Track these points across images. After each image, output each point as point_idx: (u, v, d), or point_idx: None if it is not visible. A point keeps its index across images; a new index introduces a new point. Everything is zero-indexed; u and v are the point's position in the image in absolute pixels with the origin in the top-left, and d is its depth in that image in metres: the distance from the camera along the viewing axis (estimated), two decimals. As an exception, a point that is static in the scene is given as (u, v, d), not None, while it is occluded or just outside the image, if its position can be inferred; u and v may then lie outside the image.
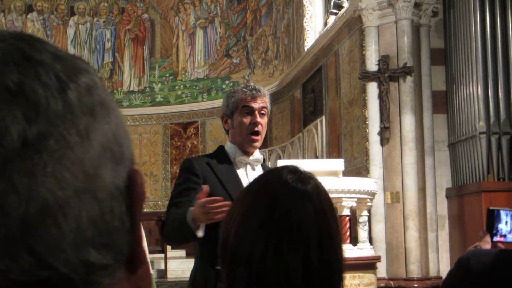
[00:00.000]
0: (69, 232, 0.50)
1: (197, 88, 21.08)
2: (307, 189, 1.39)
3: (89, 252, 0.51)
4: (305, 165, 1.49)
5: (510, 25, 10.46)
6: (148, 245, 8.42)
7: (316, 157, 14.18)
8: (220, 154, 3.89)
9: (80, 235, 0.50)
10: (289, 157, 15.80)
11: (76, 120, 0.51)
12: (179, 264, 14.73)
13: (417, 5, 11.19)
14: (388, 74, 10.98)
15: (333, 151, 13.43)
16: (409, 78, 10.92)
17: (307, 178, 1.42)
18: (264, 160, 3.97)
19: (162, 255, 14.31)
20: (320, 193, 1.41)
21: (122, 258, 0.55)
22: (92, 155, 0.51)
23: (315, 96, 15.02)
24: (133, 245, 0.56)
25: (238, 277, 1.34)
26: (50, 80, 0.51)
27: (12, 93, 0.49)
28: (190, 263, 15.50)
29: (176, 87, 21.33)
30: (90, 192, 0.51)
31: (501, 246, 2.48)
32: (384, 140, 10.99)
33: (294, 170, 1.43)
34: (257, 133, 3.77)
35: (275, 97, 18.42)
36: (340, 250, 1.40)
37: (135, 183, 0.56)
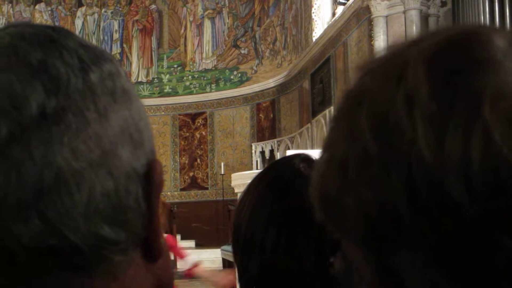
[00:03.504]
0: (81, 202, 0.51)
1: (205, 78, 21.12)
2: None
3: (100, 225, 0.52)
4: (316, 155, 1.47)
5: (519, 14, 10.45)
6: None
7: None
8: None
9: (92, 207, 0.52)
10: (297, 148, 15.85)
11: (95, 98, 0.53)
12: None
13: (425, -5, 11.18)
14: (397, 65, 10.98)
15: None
16: (418, 68, 10.93)
17: None
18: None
19: (172, 245, 14.35)
20: None
21: (136, 239, 0.56)
22: (109, 133, 0.53)
23: (323, 87, 15.03)
24: (151, 232, 0.57)
25: (251, 265, 1.34)
26: (73, 60, 0.53)
27: (34, 69, 0.51)
28: (200, 253, 15.50)
29: (184, 78, 21.37)
30: (105, 167, 0.52)
31: None
32: (393, 130, 11.01)
33: (306, 158, 1.42)
34: None
35: (284, 88, 18.45)
36: None
37: (154, 171, 0.57)
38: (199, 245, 16.14)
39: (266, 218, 1.34)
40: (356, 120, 0.57)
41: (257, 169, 16.21)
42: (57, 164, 0.50)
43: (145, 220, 0.56)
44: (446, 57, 0.53)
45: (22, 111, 0.49)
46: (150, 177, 0.56)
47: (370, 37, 11.79)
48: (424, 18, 11.33)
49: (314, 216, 1.31)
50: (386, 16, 11.46)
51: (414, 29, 11.06)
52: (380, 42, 11.42)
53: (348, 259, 0.62)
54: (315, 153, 1.50)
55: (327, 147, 0.62)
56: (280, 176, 1.39)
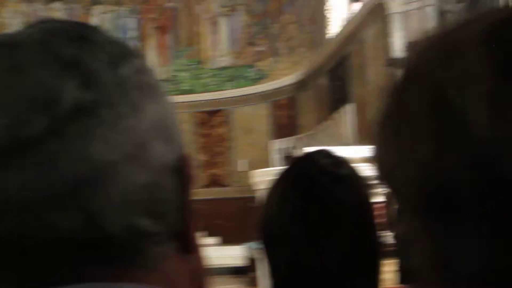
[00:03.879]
0: (117, 195, 0.51)
1: (222, 76, 21.12)
2: (343, 173, 1.36)
3: (137, 218, 0.52)
4: (338, 152, 1.46)
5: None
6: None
7: (344, 145, 14.23)
8: None
9: (128, 199, 0.52)
10: (317, 145, 15.86)
11: (126, 92, 0.53)
12: (214, 252, 14.84)
13: (442, -8, 11.17)
14: (415, 61, 10.99)
15: (363, 138, 13.46)
16: (436, 65, 10.92)
17: (342, 163, 1.39)
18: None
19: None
20: (356, 177, 1.38)
21: (172, 232, 0.56)
22: (141, 127, 0.53)
23: (341, 84, 15.03)
24: (185, 225, 0.58)
25: (280, 262, 1.34)
26: (102, 55, 0.54)
27: (66, 64, 0.52)
28: (225, 250, 15.37)
29: (202, 76, 21.36)
30: (139, 161, 0.52)
31: None
32: (413, 127, 11.02)
33: (329, 154, 1.40)
34: None
35: (301, 85, 18.43)
36: (377, 236, 1.37)
37: (186, 165, 0.58)
38: (225, 242, 16.20)
39: (290, 215, 1.33)
40: (413, 96, 0.60)
41: (276, 166, 16.23)
42: (93, 157, 0.50)
43: (179, 214, 0.56)
44: (504, 38, 0.55)
45: (57, 105, 0.50)
46: (182, 171, 0.57)
47: (387, 34, 11.78)
48: (441, 14, 11.29)
49: (337, 212, 1.29)
50: (402, 13, 11.43)
51: (431, 26, 11.04)
52: (397, 39, 11.41)
53: (406, 227, 0.63)
54: (335, 150, 1.47)
55: (386, 120, 0.64)
56: (303, 172, 1.37)
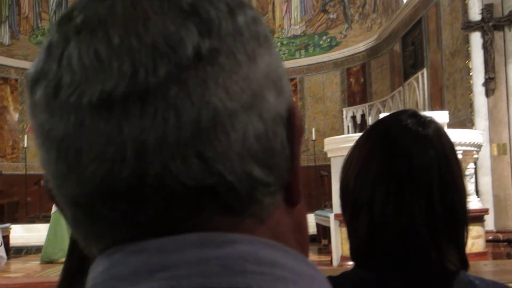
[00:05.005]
0: (236, 143, 0.52)
1: (294, 45, 21.08)
2: (428, 133, 1.32)
3: (253, 167, 0.53)
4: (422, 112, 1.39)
5: None
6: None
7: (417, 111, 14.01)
8: None
9: (246, 148, 0.52)
10: (389, 111, 15.66)
11: (244, 41, 0.54)
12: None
13: (521, -50, 10.77)
14: (492, 23, 10.68)
15: (435, 104, 13.24)
16: (515, 27, 10.58)
17: (427, 122, 1.35)
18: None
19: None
20: (441, 136, 1.34)
21: (282, 183, 0.56)
22: (257, 76, 0.54)
23: (415, 49, 14.77)
24: (293, 176, 0.58)
25: (359, 225, 1.32)
26: (221, 4, 0.54)
27: (186, 12, 0.53)
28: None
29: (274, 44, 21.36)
30: (256, 110, 0.53)
31: None
32: (489, 91, 10.75)
33: (413, 114, 1.37)
34: None
35: (374, 52, 18.21)
36: (464, 196, 1.34)
37: (295, 116, 0.57)
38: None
39: (373, 176, 1.31)
40: None
41: (348, 134, 16.16)
42: (214, 104, 0.51)
43: (288, 164, 0.57)
44: None
45: (179, 52, 0.51)
46: (291, 122, 0.57)
47: (464, -4, 11.49)
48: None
49: (422, 172, 1.28)
50: (480, -27, 11.11)
51: (510, -14, 10.68)
52: (474, 1, 11.10)
53: None
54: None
55: None
56: (387, 132, 1.35)
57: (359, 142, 1.39)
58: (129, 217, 0.52)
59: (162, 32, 0.51)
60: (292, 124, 0.57)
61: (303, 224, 0.61)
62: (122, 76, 0.50)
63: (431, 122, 1.35)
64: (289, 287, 0.51)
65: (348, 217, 1.36)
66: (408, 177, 1.28)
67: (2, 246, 7.48)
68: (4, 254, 7.36)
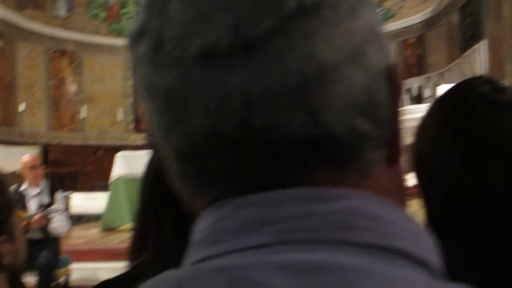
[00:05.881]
0: (340, 95, 0.51)
1: (348, 16, 20.84)
2: (505, 99, 1.29)
3: (358, 120, 0.52)
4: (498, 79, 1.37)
5: None
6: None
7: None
8: None
9: (350, 100, 0.52)
10: (447, 84, 15.47)
11: None
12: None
13: None
14: (555, -7, 10.41)
15: (495, 76, 12.97)
16: None
17: (503, 89, 1.31)
18: None
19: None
20: None
21: (384, 138, 0.55)
22: (359, 31, 0.53)
23: (473, 20, 14.48)
24: (395, 133, 0.57)
25: (435, 192, 1.31)
26: None
27: None
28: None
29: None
30: (358, 63, 0.52)
31: None
32: (552, 63, 10.52)
33: (489, 81, 1.33)
34: None
35: (430, 23, 17.89)
36: None
37: (395, 74, 0.57)
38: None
39: (449, 142, 1.28)
40: None
41: (405, 106, 15.95)
42: (318, 55, 0.50)
43: (389, 120, 0.56)
44: None
45: (282, 5, 0.50)
46: (392, 79, 0.56)
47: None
48: None
49: (499, 140, 1.24)
50: None
51: None
52: (537, -30, 10.82)
53: None
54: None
55: None
56: (463, 99, 1.32)
57: (433, 108, 1.37)
58: (236, 169, 0.52)
59: None
60: (394, 81, 0.56)
61: (402, 184, 0.60)
62: (226, 29, 0.50)
63: (506, 88, 1.32)
64: (397, 243, 0.51)
65: (423, 186, 1.35)
66: (485, 144, 1.26)
67: (65, 213, 7.70)
68: (65, 222, 7.57)
